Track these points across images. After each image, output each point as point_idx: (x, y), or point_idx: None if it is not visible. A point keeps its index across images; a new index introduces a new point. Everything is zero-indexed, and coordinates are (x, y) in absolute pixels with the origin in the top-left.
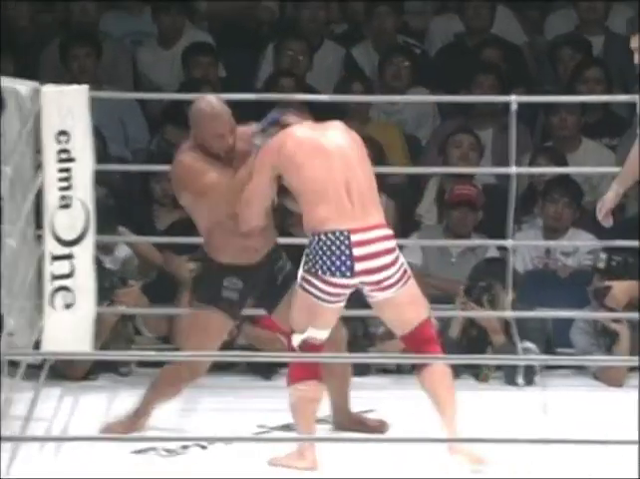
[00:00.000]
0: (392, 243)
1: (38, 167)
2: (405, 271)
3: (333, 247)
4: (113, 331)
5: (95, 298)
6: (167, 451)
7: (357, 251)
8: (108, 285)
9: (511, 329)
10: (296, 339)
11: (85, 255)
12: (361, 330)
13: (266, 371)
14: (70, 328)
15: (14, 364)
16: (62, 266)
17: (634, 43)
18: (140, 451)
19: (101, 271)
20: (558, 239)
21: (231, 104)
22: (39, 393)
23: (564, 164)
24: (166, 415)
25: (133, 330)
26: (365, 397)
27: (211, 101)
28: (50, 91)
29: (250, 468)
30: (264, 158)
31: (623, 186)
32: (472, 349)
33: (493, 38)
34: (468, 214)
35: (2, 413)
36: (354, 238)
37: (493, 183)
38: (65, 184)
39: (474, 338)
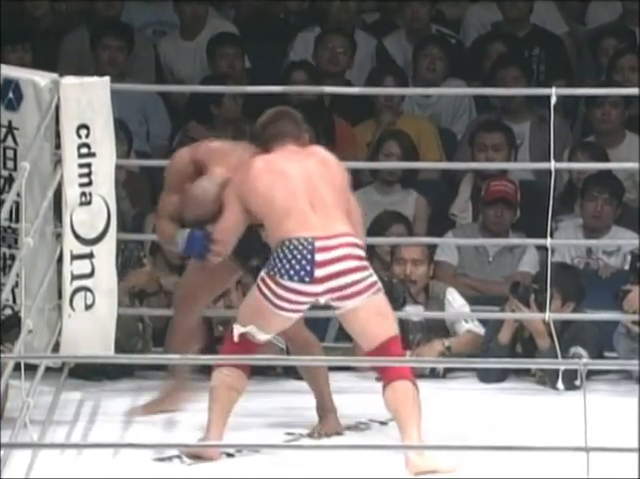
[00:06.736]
0: (358, 251)
1: (57, 162)
2: (374, 283)
3: (295, 252)
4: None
5: (116, 299)
6: (193, 459)
7: (319, 257)
8: (120, 263)
9: (556, 333)
10: (236, 331)
11: (106, 255)
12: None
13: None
14: (90, 330)
15: (33, 367)
16: (82, 266)
17: None
18: (162, 459)
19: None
20: (600, 238)
21: (257, 96)
22: (59, 397)
23: (605, 159)
24: (193, 421)
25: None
26: None
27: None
28: (69, 83)
29: (279, 477)
30: (230, 196)
31: None
32: (527, 353)
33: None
34: (504, 211)
35: (20, 418)
36: (318, 244)
37: (531, 179)
38: (85, 180)
39: (526, 341)
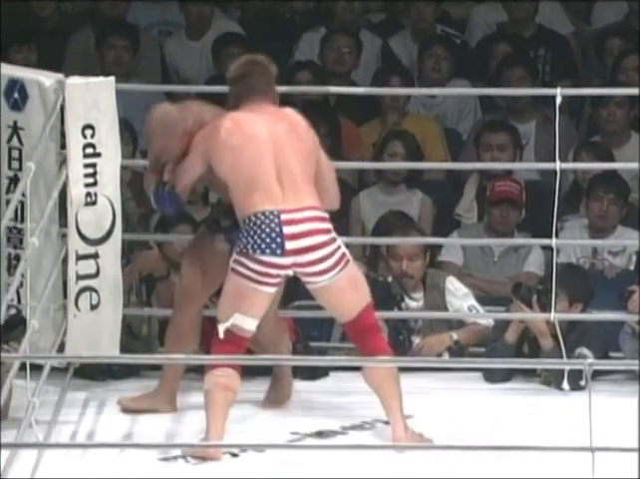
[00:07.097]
0: (326, 225)
1: (62, 162)
2: (343, 256)
3: (263, 226)
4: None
5: (121, 299)
6: (196, 459)
7: (287, 230)
8: (127, 246)
9: (561, 334)
10: (220, 329)
11: (111, 255)
12: (400, 325)
13: (310, 373)
14: (95, 330)
15: (38, 367)
16: (87, 266)
17: None
18: (167, 459)
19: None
20: (605, 239)
21: None
22: (64, 397)
23: (610, 159)
24: (197, 421)
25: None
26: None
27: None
28: (75, 83)
29: (283, 477)
30: (197, 145)
31: None
32: (533, 353)
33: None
34: (509, 211)
35: (25, 418)
36: (284, 217)
37: (536, 179)
38: (90, 180)
39: (533, 341)
